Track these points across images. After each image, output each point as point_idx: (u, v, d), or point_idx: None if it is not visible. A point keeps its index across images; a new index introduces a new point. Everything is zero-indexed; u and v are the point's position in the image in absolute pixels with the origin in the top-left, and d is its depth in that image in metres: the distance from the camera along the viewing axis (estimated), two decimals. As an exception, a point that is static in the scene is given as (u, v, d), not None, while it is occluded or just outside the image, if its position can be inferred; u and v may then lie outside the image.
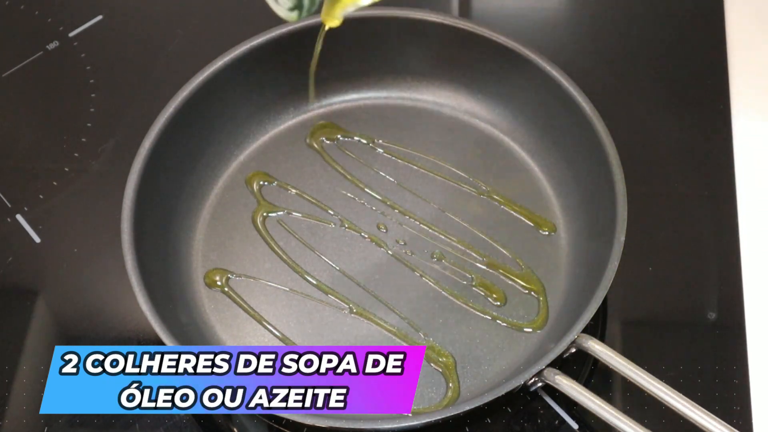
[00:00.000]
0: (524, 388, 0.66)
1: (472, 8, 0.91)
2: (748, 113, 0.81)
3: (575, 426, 0.68)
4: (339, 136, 0.80)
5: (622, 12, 0.89)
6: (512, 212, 0.76)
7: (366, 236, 0.75)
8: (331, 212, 0.77)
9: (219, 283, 0.73)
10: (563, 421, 0.69)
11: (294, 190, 0.78)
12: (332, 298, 0.73)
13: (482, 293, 0.73)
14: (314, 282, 0.73)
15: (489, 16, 0.90)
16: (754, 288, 0.73)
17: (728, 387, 0.69)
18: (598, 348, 0.64)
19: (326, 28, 0.66)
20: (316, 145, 0.80)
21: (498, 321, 0.71)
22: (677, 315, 0.73)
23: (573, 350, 0.65)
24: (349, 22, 0.77)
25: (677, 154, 0.80)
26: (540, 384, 0.66)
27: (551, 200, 0.76)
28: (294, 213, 0.77)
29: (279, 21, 0.76)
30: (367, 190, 0.78)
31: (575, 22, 0.90)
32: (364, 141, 0.80)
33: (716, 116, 0.81)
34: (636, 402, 0.68)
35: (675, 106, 0.83)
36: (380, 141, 0.80)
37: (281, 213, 0.77)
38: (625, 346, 0.72)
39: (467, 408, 0.62)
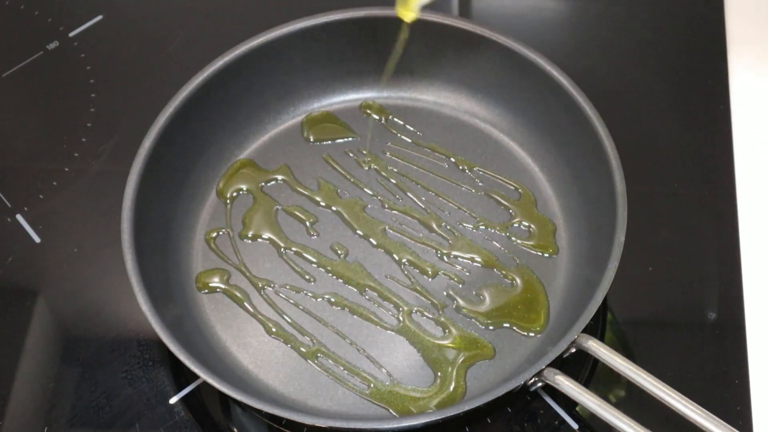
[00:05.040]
0: (524, 388, 0.66)
1: (472, 8, 0.91)
2: (748, 113, 0.81)
3: (575, 426, 0.68)
4: (339, 135, 0.80)
5: (622, 12, 0.89)
6: (512, 212, 0.76)
7: (365, 237, 0.75)
8: (339, 209, 0.77)
9: (219, 282, 0.73)
10: (563, 421, 0.69)
11: (293, 190, 0.78)
12: (333, 298, 0.73)
13: (482, 293, 0.73)
14: (314, 281, 0.74)
15: (489, 16, 0.90)
16: (754, 288, 0.73)
17: (728, 387, 0.69)
18: (598, 348, 0.64)
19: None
20: (312, 138, 0.79)
21: (498, 321, 0.71)
22: (677, 315, 0.73)
23: (573, 350, 0.65)
24: (349, 23, 0.77)
25: (677, 154, 0.80)
26: (540, 384, 0.66)
27: (551, 200, 0.76)
28: (294, 213, 0.77)
29: (279, 21, 0.77)
30: (366, 189, 0.78)
31: (575, 22, 0.90)
32: (388, 142, 0.80)
33: (716, 116, 0.81)
34: (636, 402, 0.68)
35: (675, 106, 0.83)
36: (380, 141, 0.80)
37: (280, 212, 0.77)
38: (625, 346, 0.72)
39: (467, 408, 0.62)
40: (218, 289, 0.73)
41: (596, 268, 0.67)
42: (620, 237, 0.66)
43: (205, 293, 0.73)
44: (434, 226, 0.75)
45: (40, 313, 0.75)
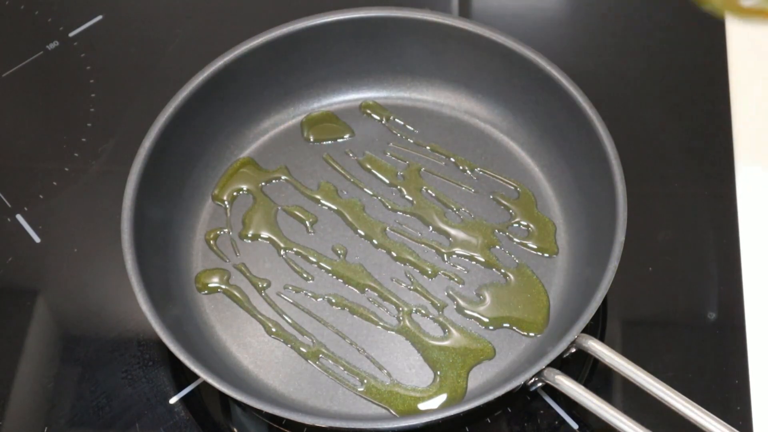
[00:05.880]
0: (524, 388, 0.66)
1: (472, 8, 0.91)
2: (748, 113, 0.81)
3: (575, 426, 0.68)
4: (339, 135, 0.80)
5: (622, 12, 0.89)
6: (512, 212, 0.76)
7: (365, 237, 0.75)
8: (339, 209, 0.76)
9: (219, 283, 0.73)
10: (563, 421, 0.69)
11: (293, 190, 0.78)
12: (333, 298, 0.73)
13: (482, 293, 0.73)
14: (314, 281, 0.73)
15: (489, 16, 0.90)
16: (754, 288, 0.73)
17: (728, 387, 0.69)
18: (598, 348, 0.64)
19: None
20: (312, 138, 0.79)
21: (498, 321, 0.71)
22: (677, 315, 0.73)
23: (573, 350, 0.65)
24: (349, 23, 0.77)
25: (677, 154, 0.80)
26: (540, 384, 0.66)
27: (551, 200, 0.76)
28: (294, 213, 0.77)
29: (279, 21, 0.77)
30: (366, 189, 0.77)
31: (575, 22, 0.90)
32: (388, 142, 0.80)
33: (716, 116, 0.81)
34: (636, 402, 0.68)
35: (675, 106, 0.83)
36: (380, 141, 0.80)
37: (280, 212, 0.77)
38: (625, 346, 0.72)
39: (467, 408, 0.62)
40: (218, 290, 0.73)
41: (596, 268, 0.67)
42: (620, 237, 0.66)
43: (205, 294, 0.73)
44: (434, 225, 0.75)
45: (40, 313, 0.75)
